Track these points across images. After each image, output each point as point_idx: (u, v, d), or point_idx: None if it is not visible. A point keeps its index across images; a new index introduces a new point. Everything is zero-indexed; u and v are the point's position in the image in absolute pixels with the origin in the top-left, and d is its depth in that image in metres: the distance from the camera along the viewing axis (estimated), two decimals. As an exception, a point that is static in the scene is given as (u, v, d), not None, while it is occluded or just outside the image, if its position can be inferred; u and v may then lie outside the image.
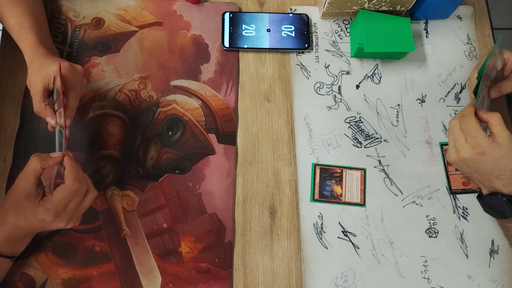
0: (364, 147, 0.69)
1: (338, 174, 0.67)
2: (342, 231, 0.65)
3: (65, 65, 0.56)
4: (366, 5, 0.70)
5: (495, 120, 0.57)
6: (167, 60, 0.71)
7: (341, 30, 0.75)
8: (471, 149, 0.57)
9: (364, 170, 0.68)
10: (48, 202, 0.51)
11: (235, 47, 0.71)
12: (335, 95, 0.71)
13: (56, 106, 0.57)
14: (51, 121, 0.56)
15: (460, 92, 0.73)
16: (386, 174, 0.68)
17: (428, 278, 0.64)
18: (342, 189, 0.67)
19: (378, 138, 0.70)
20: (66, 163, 0.53)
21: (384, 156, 0.69)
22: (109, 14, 0.72)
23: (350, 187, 0.67)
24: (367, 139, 0.69)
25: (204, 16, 0.74)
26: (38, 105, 0.55)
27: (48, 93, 0.57)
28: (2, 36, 0.69)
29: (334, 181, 0.67)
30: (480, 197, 0.63)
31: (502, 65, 0.65)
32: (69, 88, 0.56)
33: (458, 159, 0.59)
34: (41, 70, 0.56)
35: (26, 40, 0.60)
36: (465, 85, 0.73)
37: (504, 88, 0.65)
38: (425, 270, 0.64)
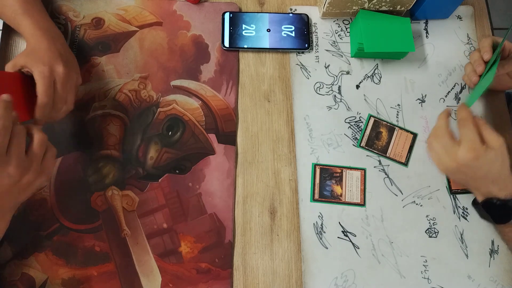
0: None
1: (338, 174, 0.67)
2: (342, 231, 0.65)
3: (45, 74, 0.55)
4: (366, 5, 0.70)
5: (481, 126, 0.57)
6: (167, 60, 0.71)
7: (341, 30, 0.75)
8: (466, 153, 0.55)
9: (364, 170, 0.68)
10: None
11: (235, 47, 0.71)
12: (335, 95, 0.71)
13: None
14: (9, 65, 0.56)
15: (460, 92, 0.73)
16: (386, 174, 0.68)
17: (428, 278, 0.64)
18: (342, 189, 0.67)
19: (378, 138, 0.70)
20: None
21: (384, 156, 0.69)
22: (109, 14, 0.72)
23: (350, 187, 0.67)
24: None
25: (204, 16, 0.74)
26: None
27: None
28: (2, 36, 0.69)
29: (334, 181, 0.67)
30: (475, 204, 0.62)
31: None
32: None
33: (455, 165, 0.57)
34: (27, 58, 0.57)
35: (23, 26, 0.60)
36: (465, 85, 0.73)
37: (501, 67, 0.67)
38: (425, 270, 0.64)
